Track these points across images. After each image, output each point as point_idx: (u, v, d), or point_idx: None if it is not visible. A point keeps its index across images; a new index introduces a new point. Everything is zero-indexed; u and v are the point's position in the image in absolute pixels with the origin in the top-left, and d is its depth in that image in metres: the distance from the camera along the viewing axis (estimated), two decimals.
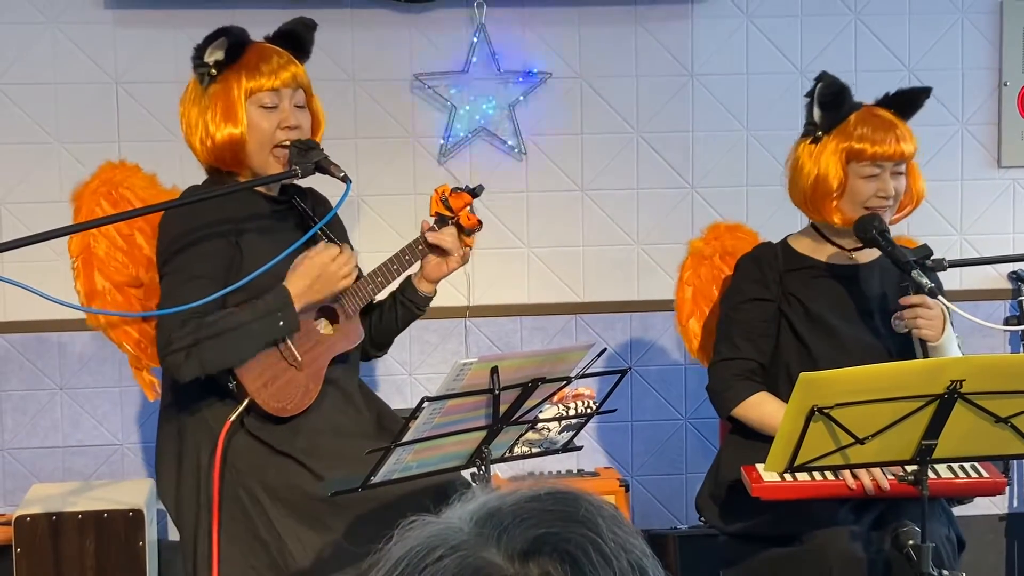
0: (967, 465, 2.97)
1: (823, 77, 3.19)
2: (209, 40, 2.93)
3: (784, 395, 3.13)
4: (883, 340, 3.15)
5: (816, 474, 2.95)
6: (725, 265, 3.39)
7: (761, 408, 3.13)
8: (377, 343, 3.21)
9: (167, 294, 2.88)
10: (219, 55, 2.92)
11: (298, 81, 2.97)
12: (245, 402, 2.87)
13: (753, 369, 3.18)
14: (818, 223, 3.24)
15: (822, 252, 3.24)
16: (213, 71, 2.92)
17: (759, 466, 2.97)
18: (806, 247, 3.25)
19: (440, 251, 3.08)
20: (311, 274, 2.90)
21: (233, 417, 2.86)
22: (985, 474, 2.98)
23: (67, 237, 3.03)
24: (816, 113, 3.18)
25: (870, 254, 3.23)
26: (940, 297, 2.98)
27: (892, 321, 3.13)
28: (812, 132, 3.18)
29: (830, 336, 3.15)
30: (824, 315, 3.17)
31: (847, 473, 2.93)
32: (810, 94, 3.20)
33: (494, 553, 1.02)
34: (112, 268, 3.04)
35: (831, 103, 3.15)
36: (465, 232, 3.10)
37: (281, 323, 2.85)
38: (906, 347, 3.12)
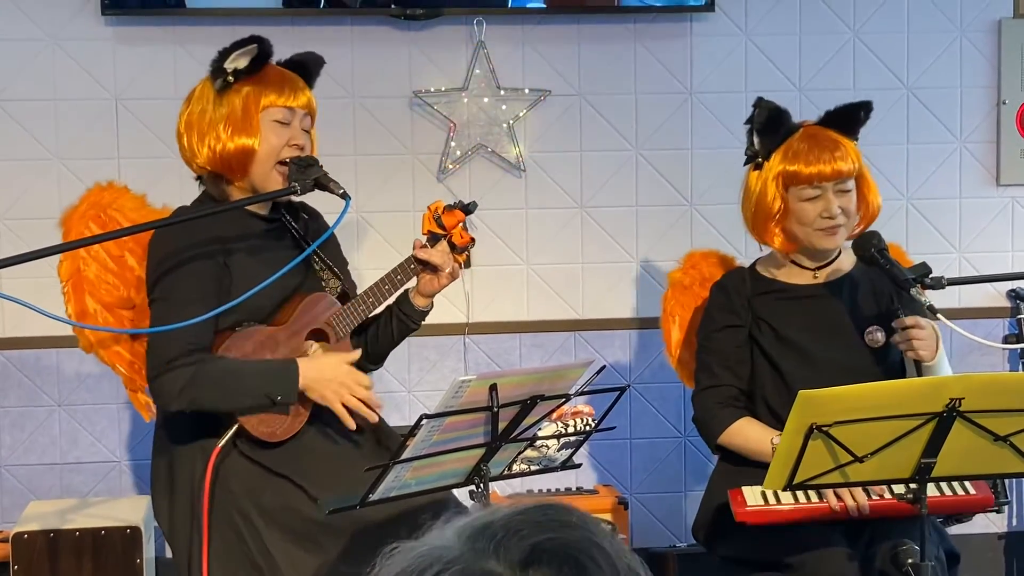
0: (956, 483, 2.97)
1: (759, 103, 3.22)
2: (238, 45, 2.93)
3: (763, 420, 3.15)
4: (856, 357, 3.15)
5: (801, 497, 2.95)
6: (705, 292, 3.41)
7: (745, 434, 3.14)
8: (373, 357, 3.20)
9: (158, 321, 2.86)
10: (242, 63, 2.92)
11: (310, 106, 3.02)
12: (234, 428, 2.86)
13: (735, 395, 3.20)
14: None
15: (788, 274, 3.25)
16: (230, 78, 2.92)
17: (745, 489, 2.97)
18: (773, 270, 3.27)
19: (431, 267, 3.08)
20: (326, 376, 2.89)
21: (221, 443, 2.85)
22: (973, 491, 2.97)
23: (57, 262, 3.03)
24: (756, 140, 3.19)
25: (835, 272, 3.24)
26: (940, 316, 2.98)
27: (865, 336, 3.15)
28: (754, 158, 3.20)
29: (802, 358, 3.16)
30: (794, 337, 3.17)
31: (831, 495, 2.92)
32: (749, 121, 3.22)
33: (494, 564, 1.02)
34: (103, 290, 3.03)
35: (767, 128, 3.17)
36: (458, 250, 3.10)
37: (279, 396, 2.85)
38: (880, 362, 3.14)
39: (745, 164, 3.25)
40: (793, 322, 3.19)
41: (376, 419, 2.95)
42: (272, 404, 2.86)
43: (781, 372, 3.15)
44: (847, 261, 3.25)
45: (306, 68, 3.07)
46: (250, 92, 2.92)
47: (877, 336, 3.15)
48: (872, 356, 3.15)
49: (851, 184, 3.15)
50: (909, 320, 3.01)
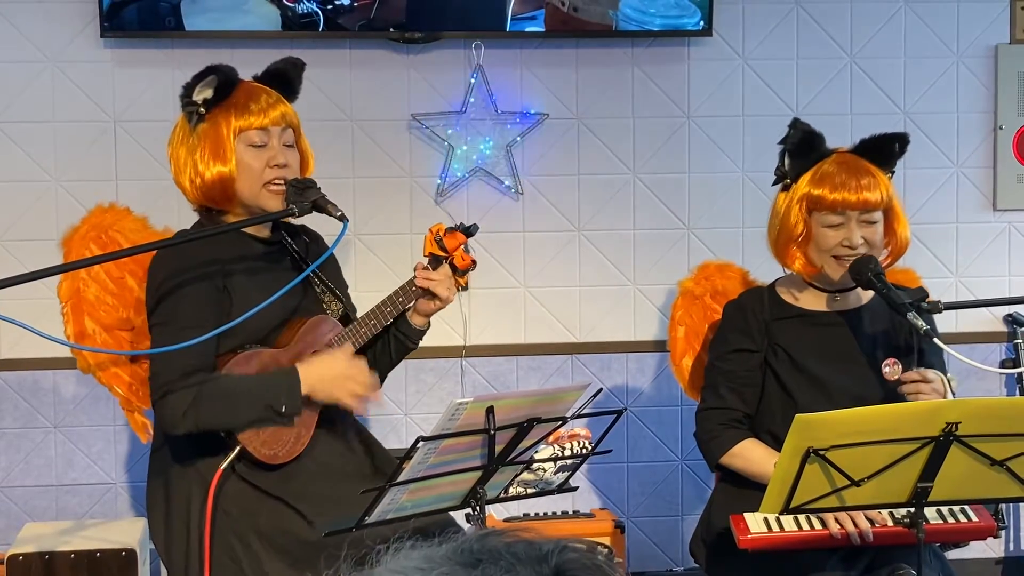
0: (957, 509, 2.96)
1: (794, 124, 3.18)
2: (199, 78, 2.93)
3: (768, 446, 3.12)
4: (872, 389, 3.10)
5: (804, 524, 2.94)
6: (716, 304, 3.37)
7: (748, 455, 3.11)
8: None
9: (158, 345, 2.86)
10: (208, 93, 2.91)
11: (287, 120, 2.97)
12: (236, 450, 2.86)
13: (738, 418, 3.15)
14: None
15: (809, 299, 3.20)
16: (202, 109, 2.92)
17: (747, 516, 2.96)
18: (793, 293, 3.22)
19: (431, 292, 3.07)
20: (329, 375, 2.90)
21: (224, 465, 2.84)
22: (975, 518, 2.96)
23: (57, 282, 3.03)
24: (787, 161, 3.16)
25: (857, 300, 3.20)
26: (936, 340, 2.97)
27: (882, 368, 3.11)
28: (782, 179, 3.17)
29: (816, 387, 3.12)
30: (810, 365, 3.13)
31: (832, 522, 2.91)
32: (782, 141, 3.19)
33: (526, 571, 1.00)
34: (102, 311, 3.02)
35: (799, 150, 3.13)
36: (459, 272, 3.08)
37: (284, 407, 2.84)
38: (896, 395, 3.09)
39: (774, 184, 3.21)
40: (810, 350, 3.14)
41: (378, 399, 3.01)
42: (277, 416, 2.85)
43: (795, 401, 3.09)
44: (867, 291, 3.19)
45: (285, 76, 3.04)
46: (221, 120, 2.91)
47: (894, 369, 3.11)
48: (888, 389, 3.09)
49: (877, 216, 3.08)
50: (916, 375, 2.98)
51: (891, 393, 3.09)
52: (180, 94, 2.96)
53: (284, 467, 2.91)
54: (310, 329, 2.98)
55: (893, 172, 3.16)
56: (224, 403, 2.81)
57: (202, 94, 2.91)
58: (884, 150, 3.14)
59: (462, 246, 3.05)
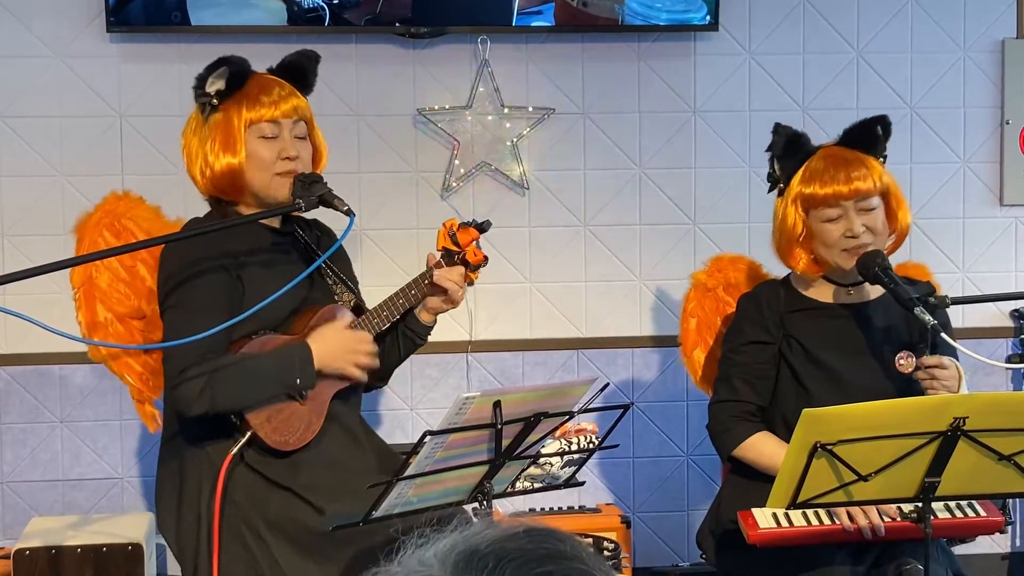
0: (964, 504, 2.96)
1: (777, 129, 3.18)
2: (211, 69, 2.94)
3: (781, 437, 3.12)
4: (885, 382, 3.11)
5: (813, 519, 2.94)
6: (728, 296, 3.38)
7: (761, 448, 3.11)
8: (380, 373, 3.20)
9: (172, 329, 2.88)
10: (220, 84, 2.93)
11: (299, 112, 2.98)
12: (247, 435, 2.86)
13: (752, 411, 3.16)
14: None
15: (823, 291, 3.21)
16: (215, 101, 2.93)
17: (755, 511, 2.96)
18: (808, 286, 3.22)
19: (443, 289, 3.08)
20: (337, 346, 2.91)
21: (235, 450, 2.85)
22: (983, 513, 2.96)
23: (64, 274, 3.03)
24: (776, 165, 3.16)
25: (871, 292, 3.20)
26: (944, 335, 2.97)
27: (896, 361, 3.11)
28: (776, 184, 3.17)
29: (831, 379, 3.12)
30: (825, 357, 3.13)
31: (844, 516, 2.91)
32: (769, 148, 3.19)
33: None
34: (114, 299, 3.04)
35: (786, 153, 3.13)
36: (471, 268, 3.10)
37: (298, 380, 2.85)
38: (909, 388, 3.09)
39: (769, 191, 3.22)
40: (824, 342, 3.15)
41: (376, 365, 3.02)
42: (291, 391, 2.86)
43: (809, 393, 3.10)
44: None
45: (300, 69, 3.05)
46: (233, 111, 2.92)
47: (908, 362, 3.10)
48: (901, 381, 3.09)
49: (875, 202, 3.09)
50: (932, 360, 2.98)
51: (904, 386, 3.09)
52: (193, 85, 2.97)
53: (292, 458, 2.92)
54: (323, 318, 2.99)
55: (885, 157, 3.17)
56: (240, 380, 2.82)
57: (214, 85, 2.92)
58: (868, 136, 3.15)
59: (474, 242, 3.07)
